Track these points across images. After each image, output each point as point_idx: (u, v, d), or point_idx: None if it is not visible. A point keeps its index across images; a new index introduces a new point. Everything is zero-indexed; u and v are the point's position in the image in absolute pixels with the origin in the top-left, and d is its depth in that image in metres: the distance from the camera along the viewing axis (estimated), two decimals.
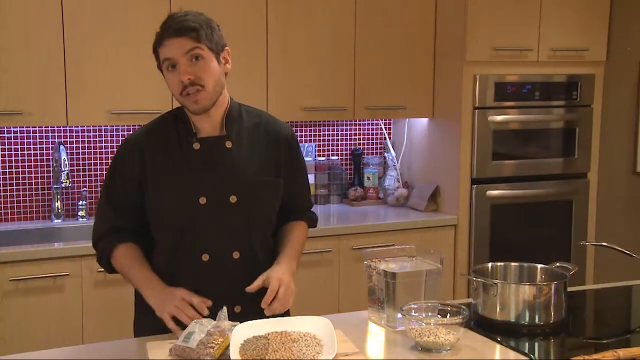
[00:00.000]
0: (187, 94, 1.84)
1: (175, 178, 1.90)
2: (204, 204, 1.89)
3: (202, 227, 1.90)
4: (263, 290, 1.99)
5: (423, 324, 1.76)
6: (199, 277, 1.91)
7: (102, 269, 2.02)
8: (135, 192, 1.93)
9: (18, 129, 3.28)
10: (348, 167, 3.99)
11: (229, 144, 1.93)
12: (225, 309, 1.77)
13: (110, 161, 2.02)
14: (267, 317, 1.80)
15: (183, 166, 1.91)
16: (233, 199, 1.90)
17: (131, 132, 2.03)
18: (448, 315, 1.82)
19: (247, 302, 1.92)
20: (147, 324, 1.92)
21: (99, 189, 3.44)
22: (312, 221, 2.17)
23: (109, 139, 3.44)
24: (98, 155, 3.43)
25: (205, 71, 1.84)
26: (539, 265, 2.09)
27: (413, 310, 1.82)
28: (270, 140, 1.99)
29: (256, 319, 1.78)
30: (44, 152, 3.34)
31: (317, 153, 3.90)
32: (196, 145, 1.91)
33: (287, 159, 2.02)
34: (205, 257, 1.91)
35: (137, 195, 1.93)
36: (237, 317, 1.80)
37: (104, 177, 3.42)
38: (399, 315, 1.86)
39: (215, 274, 1.91)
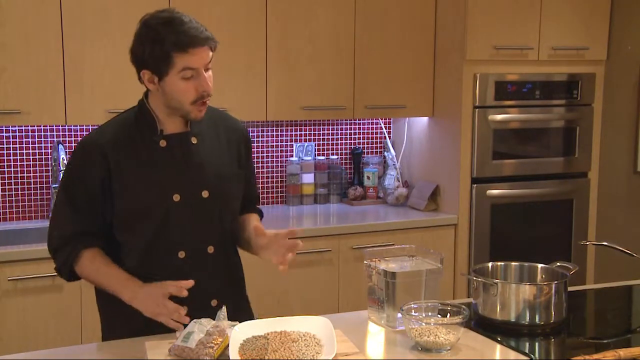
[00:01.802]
0: (199, 104, 1.84)
1: (146, 177, 1.88)
2: (177, 200, 1.88)
3: (177, 224, 1.89)
4: (236, 285, 2.04)
5: (423, 324, 1.75)
6: (175, 275, 1.86)
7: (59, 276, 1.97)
8: (99, 195, 1.87)
9: (17, 128, 3.28)
10: (348, 166, 3.99)
11: (194, 140, 1.92)
12: (224, 308, 1.77)
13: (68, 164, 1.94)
14: (263, 318, 1.79)
15: (152, 165, 1.88)
16: (205, 194, 1.91)
17: (91, 131, 1.96)
18: (448, 315, 1.81)
19: (223, 296, 1.93)
20: (117, 329, 1.92)
21: None
22: (261, 213, 2.19)
23: None
24: None
25: (211, 81, 1.86)
26: (540, 265, 2.09)
27: (413, 310, 1.81)
28: (230, 134, 2.02)
29: (235, 312, 1.82)
30: (43, 151, 3.34)
31: (316, 152, 3.89)
32: (162, 143, 1.89)
33: (246, 152, 2.05)
34: (182, 254, 1.90)
35: (100, 198, 1.88)
36: (214, 311, 1.81)
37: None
38: (399, 315, 1.85)
39: (192, 270, 1.89)
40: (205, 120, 1.94)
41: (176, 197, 1.88)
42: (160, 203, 1.87)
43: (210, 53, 1.83)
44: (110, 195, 1.88)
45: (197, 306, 1.86)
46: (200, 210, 1.91)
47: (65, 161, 3.23)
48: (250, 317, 2.02)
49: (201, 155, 1.92)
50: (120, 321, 1.92)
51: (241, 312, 2.00)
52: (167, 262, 1.90)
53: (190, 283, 1.78)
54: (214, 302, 1.93)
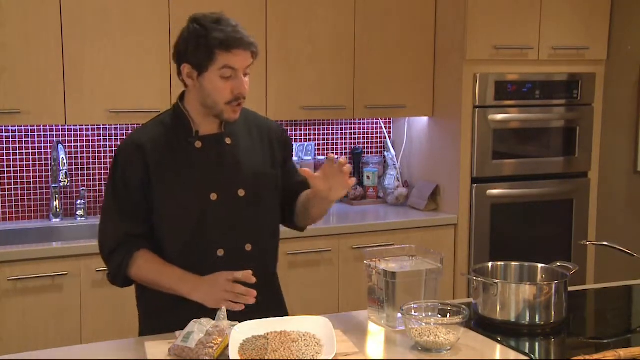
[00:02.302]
0: (233, 105, 1.89)
1: (184, 177, 1.92)
2: (215, 199, 1.92)
3: (215, 223, 1.93)
4: (271, 281, 2.06)
5: (423, 324, 1.75)
6: (215, 273, 1.90)
7: (114, 282, 1.98)
8: (141, 195, 1.92)
9: (16, 127, 3.27)
10: None
11: (228, 140, 1.97)
12: (224, 308, 1.77)
13: (109, 164, 2.00)
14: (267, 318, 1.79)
15: (189, 165, 1.93)
16: (241, 192, 1.95)
17: (130, 133, 2.03)
18: (448, 315, 1.81)
19: (258, 292, 1.92)
20: (151, 325, 1.94)
21: (97, 188, 3.43)
22: None
23: (107, 137, 3.43)
24: (97, 154, 3.42)
25: (248, 86, 1.91)
26: (540, 265, 2.09)
27: (413, 310, 1.81)
28: (263, 134, 2.06)
29: (270, 308, 1.87)
30: (43, 151, 3.33)
31: (316, 152, 3.89)
32: (198, 144, 1.94)
33: (283, 150, 2.09)
34: (221, 252, 1.94)
35: (142, 198, 1.92)
36: (248, 307, 1.83)
37: (103, 177, 3.42)
38: (399, 315, 1.85)
39: (230, 268, 1.90)
40: (238, 121, 1.98)
41: (213, 197, 1.92)
42: (198, 203, 1.92)
43: (251, 59, 1.89)
44: (150, 196, 1.92)
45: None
46: (237, 209, 1.95)
47: (65, 161, 3.23)
48: (285, 312, 2.08)
49: (236, 155, 1.97)
50: (156, 320, 1.95)
51: (276, 308, 2.03)
52: (206, 260, 1.93)
53: (249, 273, 1.83)
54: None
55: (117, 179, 1.94)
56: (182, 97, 2.00)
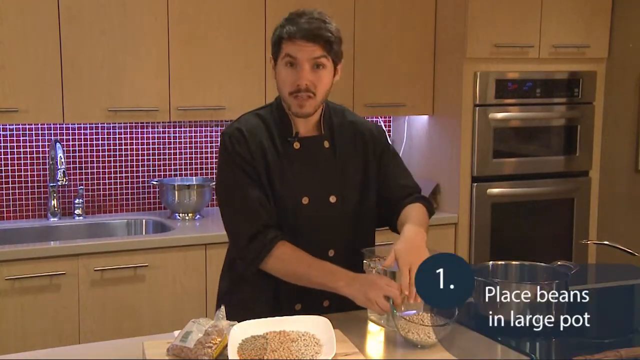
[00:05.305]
0: (297, 97, 1.85)
1: (281, 177, 1.91)
2: (306, 204, 1.91)
3: (302, 226, 1.92)
4: None
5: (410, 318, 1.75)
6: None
7: (247, 266, 1.91)
8: (265, 182, 1.90)
9: (14, 126, 3.26)
10: None
11: (326, 144, 1.96)
12: (223, 308, 1.75)
13: (219, 152, 1.95)
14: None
15: (286, 165, 1.91)
16: (333, 199, 1.94)
17: (240, 118, 1.97)
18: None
19: (335, 297, 1.91)
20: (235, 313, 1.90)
21: (95, 186, 3.41)
22: (427, 202, 2.07)
23: (105, 136, 3.42)
24: (95, 153, 3.41)
25: (322, 81, 1.86)
26: (540, 264, 2.07)
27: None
28: (357, 139, 2.01)
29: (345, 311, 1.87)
30: (40, 149, 3.32)
31: None
32: (296, 145, 1.93)
33: (377, 153, 2.02)
34: None
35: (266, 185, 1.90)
36: (325, 311, 1.87)
37: (102, 177, 3.40)
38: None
39: None
40: (335, 124, 1.97)
41: (305, 200, 1.91)
42: (290, 205, 1.91)
43: (321, 52, 1.82)
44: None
45: (310, 305, 1.92)
46: (326, 215, 1.94)
47: (63, 160, 3.20)
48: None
49: (331, 160, 1.95)
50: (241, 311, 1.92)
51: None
52: None
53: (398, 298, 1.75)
54: (325, 303, 1.97)
55: (244, 162, 1.88)
56: None
